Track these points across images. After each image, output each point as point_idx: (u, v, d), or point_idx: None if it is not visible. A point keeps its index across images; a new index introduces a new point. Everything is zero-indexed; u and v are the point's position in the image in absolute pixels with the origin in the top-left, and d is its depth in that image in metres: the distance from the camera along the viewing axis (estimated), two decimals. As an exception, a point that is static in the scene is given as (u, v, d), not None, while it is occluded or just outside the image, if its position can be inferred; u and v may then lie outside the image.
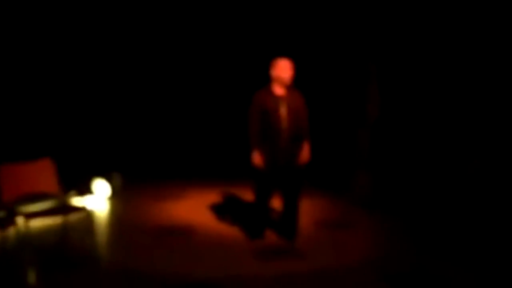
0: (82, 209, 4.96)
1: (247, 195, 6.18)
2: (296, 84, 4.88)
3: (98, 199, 6.55)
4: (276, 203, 5.40)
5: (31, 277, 4.25)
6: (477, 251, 4.86)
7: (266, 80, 4.88)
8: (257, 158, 4.78)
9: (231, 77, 9.29)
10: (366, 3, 7.04)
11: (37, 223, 5.13)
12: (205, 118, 9.56)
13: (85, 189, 6.59)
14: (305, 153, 4.90)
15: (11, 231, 5.14)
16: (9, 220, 5.05)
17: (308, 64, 7.14)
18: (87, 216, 5.54)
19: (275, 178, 4.88)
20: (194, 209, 6.31)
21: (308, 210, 5.96)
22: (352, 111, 7.23)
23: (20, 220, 4.70)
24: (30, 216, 4.63)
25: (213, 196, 6.86)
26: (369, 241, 5.23)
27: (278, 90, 4.80)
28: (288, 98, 4.77)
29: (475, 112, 6.56)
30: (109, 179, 6.77)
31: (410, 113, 7.03)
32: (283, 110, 4.71)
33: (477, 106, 6.51)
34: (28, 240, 4.91)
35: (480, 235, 5.28)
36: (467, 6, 6.47)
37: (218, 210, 6.24)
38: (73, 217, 5.09)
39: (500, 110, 6.36)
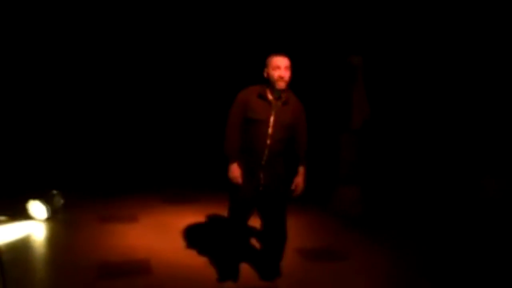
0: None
1: (220, 213, 5.16)
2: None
3: (34, 223, 5.37)
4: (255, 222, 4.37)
5: None
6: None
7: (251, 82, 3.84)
8: (235, 171, 3.73)
9: (204, 76, 8.22)
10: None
11: None
12: (164, 120, 8.42)
13: (18, 213, 5.42)
14: (300, 181, 3.89)
15: None
16: None
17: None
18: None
19: (253, 200, 3.85)
20: (151, 234, 5.19)
21: (290, 234, 4.91)
22: (334, 114, 6.26)
23: None
24: None
25: (175, 217, 5.74)
26: (369, 276, 4.28)
27: (271, 94, 3.71)
28: (283, 108, 3.71)
29: (476, 112, 5.76)
30: (47, 199, 5.57)
31: (403, 116, 6.12)
32: (272, 121, 3.67)
33: (478, 105, 5.71)
34: None
35: (497, 261, 4.43)
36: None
37: (182, 235, 5.14)
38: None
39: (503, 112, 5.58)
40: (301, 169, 3.91)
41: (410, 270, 4.41)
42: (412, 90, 6.08)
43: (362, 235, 5.35)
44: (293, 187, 3.88)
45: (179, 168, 8.06)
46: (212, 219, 5.65)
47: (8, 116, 7.39)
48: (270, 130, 3.64)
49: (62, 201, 5.78)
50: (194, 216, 5.78)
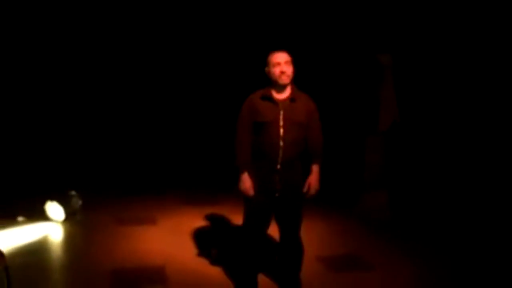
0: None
1: (240, 215, 4.95)
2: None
3: (51, 225, 5.28)
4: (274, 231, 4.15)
5: None
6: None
7: (264, 83, 3.63)
8: (246, 183, 3.55)
9: (217, 78, 8.01)
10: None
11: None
12: (183, 122, 8.26)
13: (35, 214, 5.35)
14: (313, 180, 3.65)
15: None
16: None
17: (308, 59, 5.96)
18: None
19: (270, 209, 3.62)
20: (168, 238, 5.03)
21: (313, 240, 4.68)
22: (361, 115, 5.97)
23: None
24: None
25: (194, 219, 5.55)
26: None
27: (278, 94, 3.54)
28: (291, 105, 3.53)
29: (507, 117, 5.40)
30: (65, 200, 5.48)
31: (434, 118, 5.78)
32: (282, 120, 3.47)
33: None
34: None
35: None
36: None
37: (200, 240, 4.96)
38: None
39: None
40: (315, 168, 3.66)
41: (439, 285, 4.11)
42: (444, 90, 5.74)
43: (390, 243, 5.06)
44: (306, 187, 3.62)
45: (197, 168, 7.89)
46: (231, 222, 5.45)
47: (25, 117, 7.34)
48: (281, 131, 3.45)
49: (80, 202, 5.69)
50: (213, 219, 5.60)
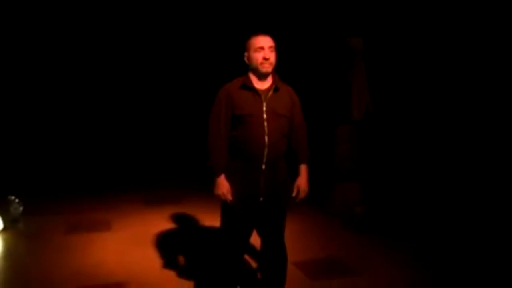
0: None
1: (209, 216, 4.47)
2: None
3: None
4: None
5: None
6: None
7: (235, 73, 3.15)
8: (223, 187, 3.06)
9: (178, 65, 7.41)
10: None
11: None
12: (138, 112, 7.61)
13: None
14: (303, 182, 3.22)
15: None
16: None
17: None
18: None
19: (253, 215, 3.16)
20: (128, 246, 4.46)
21: (286, 244, 4.26)
22: (332, 103, 5.59)
23: None
24: None
25: (156, 223, 4.99)
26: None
27: (258, 83, 3.08)
28: (275, 96, 3.08)
29: (486, 106, 5.18)
30: (2, 207, 4.79)
31: (408, 106, 5.48)
32: (266, 113, 3.02)
33: (489, 99, 5.13)
34: None
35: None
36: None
37: (166, 247, 4.43)
38: None
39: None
40: (303, 168, 3.24)
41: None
42: (419, 77, 5.44)
43: (368, 242, 4.73)
44: (295, 191, 3.20)
45: (155, 163, 7.30)
46: (200, 224, 4.96)
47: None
48: (266, 125, 2.99)
49: (21, 208, 5.02)
50: (177, 221, 5.08)
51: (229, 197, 3.06)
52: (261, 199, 3.09)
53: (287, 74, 3.24)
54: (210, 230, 4.71)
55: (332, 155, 5.60)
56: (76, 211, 5.34)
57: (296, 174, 3.24)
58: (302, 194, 3.21)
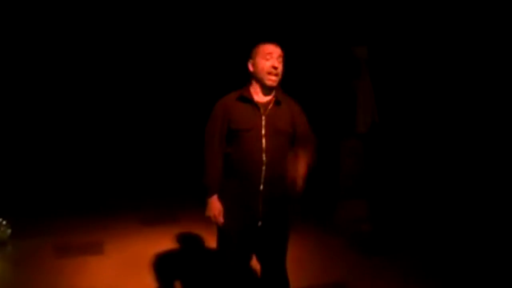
0: None
1: (206, 237, 4.21)
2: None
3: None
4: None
5: None
6: None
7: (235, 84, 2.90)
8: (214, 208, 2.81)
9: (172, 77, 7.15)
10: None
11: None
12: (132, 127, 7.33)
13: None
14: (299, 171, 2.78)
15: None
16: None
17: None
18: None
19: (251, 241, 2.88)
20: (120, 272, 4.18)
21: (289, 267, 3.96)
22: (336, 115, 5.31)
23: None
24: None
25: (151, 245, 4.69)
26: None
27: (258, 95, 2.83)
28: (275, 110, 2.82)
29: (500, 117, 4.91)
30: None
31: (417, 118, 5.21)
32: (264, 128, 2.75)
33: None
34: None
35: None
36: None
37: (162, 274, 4.14)
38: None
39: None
40: (302, 162, 2.77)
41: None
42: (428, 87, 5.17)
43: (376, 264, 4.44)
44: (289, 181, 2.77)
45: (151, 180, 7.01)
46: (201, 246, 4.69)
47: None
48: (264, 141, 2.73)
49: (9, 231, 4.75)
50: (176, 242, 4.80)
51: (220, 219, 2.80)
52: (260, 223, 2.83)
53: (289, 84, 3.00)
54: (212, 252, 4.45)
55: (338, 170, 5.32)
56: (67, 233, 5.06)
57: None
58: (299, 187, 2.78)
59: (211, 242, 4.58)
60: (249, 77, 2.85)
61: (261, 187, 2.76)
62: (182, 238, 4.91)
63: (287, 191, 2.86)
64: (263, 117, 2.76)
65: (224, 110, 2.80)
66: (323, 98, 5.62)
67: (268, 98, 2.82)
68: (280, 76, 2.79)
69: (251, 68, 2.82)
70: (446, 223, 5.19)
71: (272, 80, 2.76)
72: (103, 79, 7.25)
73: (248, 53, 2.85)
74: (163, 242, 4.78)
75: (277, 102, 2.82)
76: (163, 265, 4.29)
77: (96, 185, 6.74)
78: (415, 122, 5.31)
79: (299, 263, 4.32)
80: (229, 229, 2.82)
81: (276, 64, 2.74)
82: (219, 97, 2.90)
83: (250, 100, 2.79)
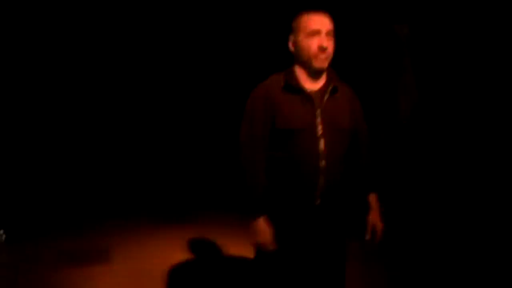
0: None
1: (238, 247, 3.74)
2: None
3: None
4: None
5: None
6: None
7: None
8: (265, 233, 2.17)
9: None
10: None
11: None
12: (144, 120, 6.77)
13: None
14: (376, 218, 2.33)
15: None
16: None
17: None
18: None
19: (306, 263, 2.28)
20: (127, 283, 3.60)
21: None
22: (376, 108, 4.68)
23: None
24: None
25: (166, 252, 4.11)
26: None
27: (308, 82, 2.20)
28: (330, 102, 2.19)
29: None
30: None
31: (459, 103, 4.58)
32: (321, 125, 2.14)
33: None
34: None
35: None
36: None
37: (177, 286, 3.56)
38: None
39: None
40: (372, 199, 2.35)
41: None
42: (475, 69, 4.54)
43: (376, 271, 3.85)
44: (369, 233, 2.31)
45: (165, 177, 6.44)
46: (223, 254, 4.11)
47: None
48: (321, 144, 2.12)
49: (3, 237, 4.26)
50: (193, 249, 4.21)
51: (271, 247, 2.18)
52: (315, 246, 2.25)
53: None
54: (236, 261, 3.86)
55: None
56: (69, 239, 4.48)
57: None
58: (379, 234, 2.32)
59: (232, 248, 4.04)
60: (291, 58, 2.24)
61: (318, 201, 2.17)
62: (199, 244, 4.33)
63: (346, 204, 2.31)
64: (319, 111, 2.14)
65: (266, 104, 2.16)
66: (362, 82, 5.01)
67: (320, 84, 2.21)
68: (331, 55, 2.17)
69: (292, 48, 2.21)
70: (446, 224, 4.64)
71: (321, 62, 2.14)
72: (114, 79, 6.78)
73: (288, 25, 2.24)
74: (177, 248, 4.20)
75: (333, 90, 2.20)
76: (177, 276, 3.71)
77: (100, 186, 6.15)
78: (457, 107, 4.65)
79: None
80: (277, 257, 2.20)
81: (325, 43, 2.12)
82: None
83: (299, 90, 2.16)
